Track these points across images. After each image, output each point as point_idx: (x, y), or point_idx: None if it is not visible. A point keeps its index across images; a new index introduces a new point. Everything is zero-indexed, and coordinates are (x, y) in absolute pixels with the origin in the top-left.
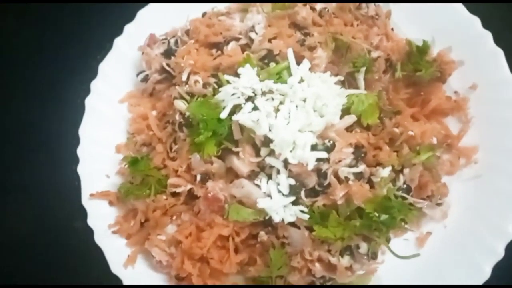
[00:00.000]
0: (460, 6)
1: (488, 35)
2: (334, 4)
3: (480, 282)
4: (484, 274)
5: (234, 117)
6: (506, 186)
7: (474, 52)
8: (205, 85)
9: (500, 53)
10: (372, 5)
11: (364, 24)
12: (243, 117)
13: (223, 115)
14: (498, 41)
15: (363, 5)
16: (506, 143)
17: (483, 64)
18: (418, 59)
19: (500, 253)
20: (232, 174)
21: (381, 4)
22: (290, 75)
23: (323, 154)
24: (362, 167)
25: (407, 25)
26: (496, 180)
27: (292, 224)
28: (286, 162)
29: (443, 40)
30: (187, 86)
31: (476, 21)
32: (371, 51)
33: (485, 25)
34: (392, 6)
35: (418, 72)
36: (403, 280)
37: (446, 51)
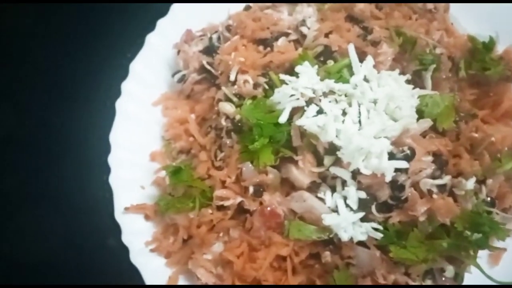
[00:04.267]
0: None
1: None
2: None
3: None
4: None
5: (298, 122)
6: None
7: None
8: (255, 86)
9: None
10: None
11: (423, 18)
12: (308, 122)
13: (282, 119)
14: None
15: None
16: None
17: None
18: (483, 57)
19: None
20: (287, 186)
21: None
22: (352, 74)
23: (403, 164)
24: (446, 179)
25: (467, 20)
26: None
27: (360, 242)
28: (354, 173)
29: (507, 36)
30: (234, 87)
31: None
32: (437, 47)
33: None
34: None
35: (487, 72)
36: None
37: None
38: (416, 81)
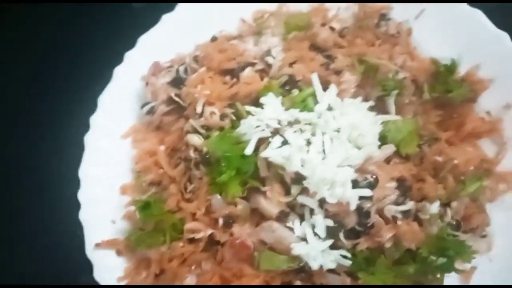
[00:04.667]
0: (486, 20)
1: None
2: (351, 22)
3: None
4: None
5: (263, 154)
6: None
7: (504, 69)
8: (222, 117)
9: None
10: (392, 22)
11: (386, 43)
12: (273, 153)
13: (248, 151)
14: None
15: (383, 22)
16: None
17: None
18: (446, 79)
19: None
20: (257, 216)
21: (401, 22)
22: (316, 102)
23: (367, 192)
24: (410, 204)
25: (430, 43)
26: None
27: (331, 270)
28: (321, 201)
29: (469, 58)
30: (201, 119)
31: (504, 36)
32: (399, 71)
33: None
34: (412, 23)
35: (450, 94)
36: None
37: (475, 69)
38: (380, 106)
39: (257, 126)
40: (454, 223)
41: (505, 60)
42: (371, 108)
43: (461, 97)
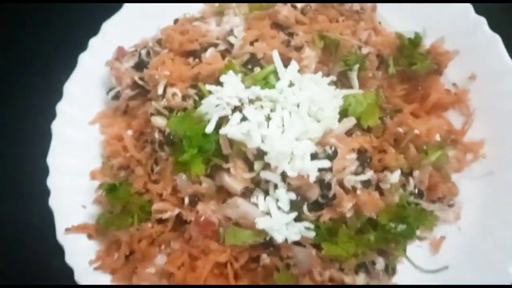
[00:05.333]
0: None
1: (482, 22)
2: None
3: (507, 284)
4: (508, 277)
5: (222, 131)
6: None
7: (469, 40)
8: (184, 98)
9: (497, 39)
10: None
11: (350, 19)
12: (232, 130)
13: (209, 129)
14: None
15: None
16: None
17: (481, 52)
18: (411, 52)
19: None
20: (223, 193)
21: None
22: (278, 79)
23: (326, 163)
24: (369, 174)
25: (394, 18)
26: (508, 174)
27: (297, 243)
28: (284, 175)
29: (434, 31)
30: (164, 100)
31: (468, 7)
32: (362, 47)
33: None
34: None
35: (413, 66)
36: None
37: (440, 42)
38: (344, 81)
39: (218, 105)
40: (417, 191)
41: (469, 31)
42: (334, 84)
43: (425, 69)
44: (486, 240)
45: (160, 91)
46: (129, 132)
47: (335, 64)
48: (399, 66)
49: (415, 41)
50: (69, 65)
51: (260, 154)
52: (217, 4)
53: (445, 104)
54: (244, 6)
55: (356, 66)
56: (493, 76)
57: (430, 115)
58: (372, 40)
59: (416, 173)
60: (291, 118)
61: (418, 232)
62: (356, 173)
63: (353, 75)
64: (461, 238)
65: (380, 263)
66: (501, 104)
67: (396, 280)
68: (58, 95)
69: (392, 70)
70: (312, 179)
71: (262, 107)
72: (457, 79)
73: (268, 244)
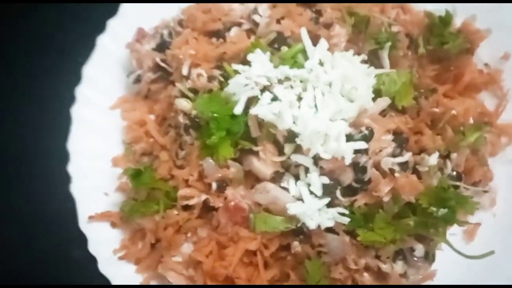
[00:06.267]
0: None
1: None
2: None
3: None
4: None
5: (252, 111)
6: None
7: (501, 19)
8: (209, 79)
9: None
10: None
11: None
12: (262, 110)
13: (238, 110)
14: None
15: None
16: None
17: None
18: (441, 31)
19: None
20: (252, 179)
21: None
22: (307, 58)
23: (362, 145)
24: (407, 156)
25: None
26: None
27: (329, 230)
28: (316, 159)
29: (464, 9)
30: (189, 81)
31: None
32: (392, 25)
33: None
34: None
35: (445, 45)
36: (455, 278)
37: (471, 20)
38: (374, 61)
39: (246, 85)
40: (455, 174)
41: (501, 9)
42: (364, 62)
43: (457, 49)
44: None
45: (185, 71)
46: (152, 116)
47: (365, 43)
48: (429, 45)
49: (446, 19)
50: (87, 48)
51: (291, 136)
52: None
53: (478, 85)
54: None
55: (388, 44)
56: None
57: (462, 96)
58: (400, 19)
59: (453, 155)
60: (323, 98)
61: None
62: (393, 155)
63: (384, 54)
64: (497, 225)
65: (420, 249)
66: None
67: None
68: (75, 78)
69: (422, 50)
70: (347, 161)
71: (292, 87)
72: (489, 59)
73: (299, 231)
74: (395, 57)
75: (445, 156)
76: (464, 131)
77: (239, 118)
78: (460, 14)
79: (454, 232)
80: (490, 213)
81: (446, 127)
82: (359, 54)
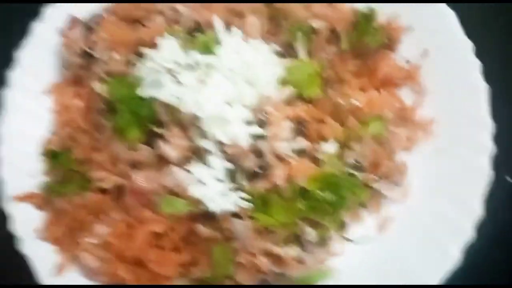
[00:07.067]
0: None
1: None
2: None
3: (449, 266)
4: (452, 258)
5: (154, 93)
6: (470, 158)
7: (424, 17)
8: (127, 64)
9: (451, 15)
10: None
11: None
12: (164, 93)
13: (142, 92)
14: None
15: None
16: (467, 112)
17: (435, 29)
18: (364, 27)
19: (468, 233)
20: (164, 163)
21: None
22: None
23: (257, 130)
24: (302, 142)
25: None
26: (458, 153)
27: (236, 215)
28: (219, 144)
29: (389, 8)
30: (105, 65)
31: None
32: (311, 19)
33: None
34: None
35: (366, 39)
36: (365, 270)
37: (394, 18)
38: (292, 54)
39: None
40: (356, 164)
41: (423, 8)
42: (280, 55)
43: (376, 43)
44: (433, 219)
45: (99, 55)
46: (79, 102)
47: (281, 34)
48: (352, 41)
49: (369, 15)
50: (19, 33)
51: (196, 120)
52: None
53: (396, 80)
54: None
55: (300, 35)
56: (445, 52)
57: (380, 91)
58: (325, 14)
59: (355, 145)
60: (225, 84)
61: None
62: (289, 142)
63: (298, 46)
64: (409, 218)
65: (311, 233)
66: (452, 80)
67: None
68: (8, 63)
69: (344, 45)
70: (244, 144)
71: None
72: (411, 56)
73: (208, 216)
74: (313, 50)
75: (346, 146)
76: (367, 122)
77: (147, 101)
78: (385, 13)
79: (369, 226)
80: (403, 207)
81: (349, 118)
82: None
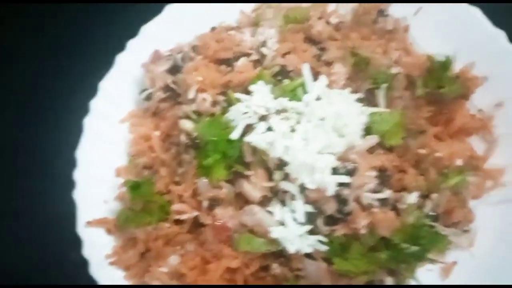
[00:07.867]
0: (483, 19)
1: None
2: (349, 18)
3: None
4: None
5: (246, 138)
6: None
7: (499, 67)
8: (213, 104)
9: None
10: (389, 18)
11: (382, 38)
12: (256, 138)
13: (234, 135)
14: None
15: (380, 18)
16: None
17: (509, 80)
18: (440, 75)
19: None
20: (242, 201)
21: (399, 18)
22: (306, 92)
23: (345, 178)
24: (387, 193)
25: (426, 40)
26: None
27: (308, 255)
28: (302, 187)
29: (465, 55)
30: (194, 104)
31: (500, 35)
32: (392, 66)
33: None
34: (410, 20)
35: (442, 89)
36: None
37: (469, 67)
38: (370, 99)
39: (245, 113)
40: (433, 214)
41: (499, 58)
42: (361, 100)
43: (453, 93)
44: (498, 268)
45: (191, 95)
46: (157, 133)
47: (364, 82)
48: (427, 88)
49: (445, 64)
50: (108, 65)
51: (282, 164)
52: (253, 15)
53: (470, 129)
54: (278, 18)
55: (385, 85)
56: None
57: (453, 139)
58: (402, 60)
59: (434, 196)
60: (315, 131)
61: (430, 255)
62: (374, 191)
63: (380, 94)
64: (474, 265)
65: (389, 282)
66: None
67: None
68: (93, 92)
69: (420, 92)
70: (330, 192)
71: (287, 118)
72: (483, 105)
73: (280, 255)
74: (391, 97)
75: (426, 196)
76: (447, 173)
77: (235, 143)
78: (460, 59)
79: (431, 268)
80: (468, 253)
81: (429, 168)
82: (357, 92)
